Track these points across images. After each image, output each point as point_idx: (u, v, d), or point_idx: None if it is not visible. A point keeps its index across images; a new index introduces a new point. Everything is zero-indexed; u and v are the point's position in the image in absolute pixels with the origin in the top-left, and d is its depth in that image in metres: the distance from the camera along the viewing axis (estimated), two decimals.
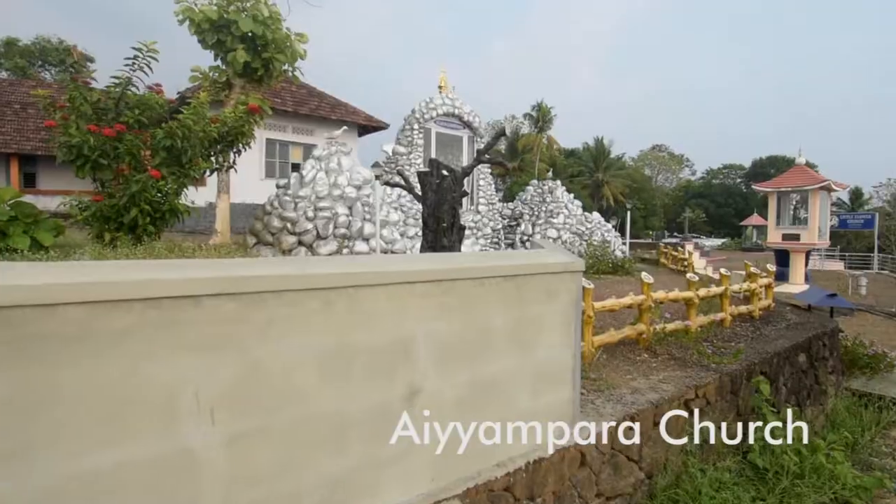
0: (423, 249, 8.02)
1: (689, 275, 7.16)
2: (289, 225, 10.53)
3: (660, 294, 6.59)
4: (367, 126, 25.11)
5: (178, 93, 18.05)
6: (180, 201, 9.88)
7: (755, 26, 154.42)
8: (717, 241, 52.85)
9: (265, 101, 15.89)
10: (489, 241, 16.11)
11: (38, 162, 24.12)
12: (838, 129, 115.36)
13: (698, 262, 19.43)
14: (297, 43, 15.09)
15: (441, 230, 7.64)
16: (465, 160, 16.55)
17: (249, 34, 14.08)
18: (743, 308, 8.44)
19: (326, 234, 10.53)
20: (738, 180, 68.76)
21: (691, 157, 75.37)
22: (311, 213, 10.78)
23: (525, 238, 16.14)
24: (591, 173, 56.91)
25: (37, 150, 22.86)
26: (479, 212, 16.54)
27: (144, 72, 9.54)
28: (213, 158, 10.44)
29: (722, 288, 7.78)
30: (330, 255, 10.40)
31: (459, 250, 8.30)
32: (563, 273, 3.74)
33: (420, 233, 14.15)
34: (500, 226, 16.88)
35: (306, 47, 15.54)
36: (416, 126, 14.85)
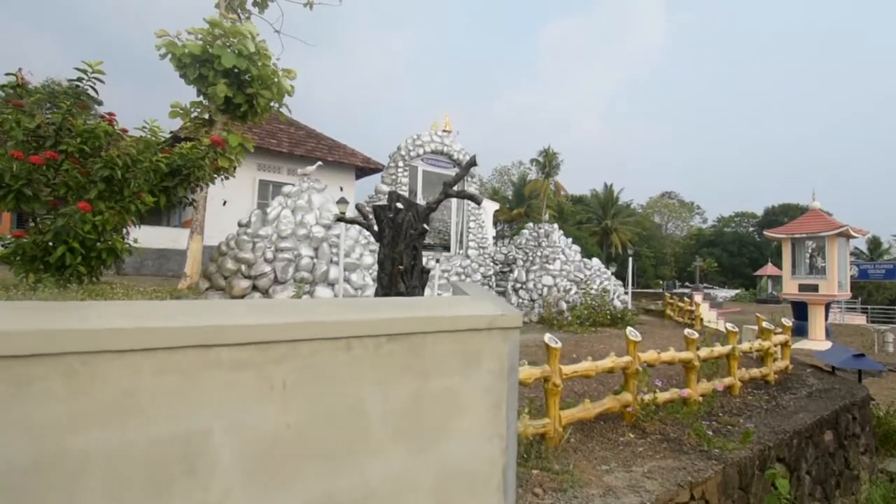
0: (378, 295, 6.90)
1: (687, 331, 5.95)
2: (243, 267, 9.52)
3: (650, 355, 5.37)
4: (364, 168, 24.57)
5: (171, 132, 17.47)
6: (120, 239, 8.95)
7: (766, 71, 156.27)
8: (731, 292, 51.09)
9: (248, 138, 15.28)
10: None
11: None
12: (853, 177, 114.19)
13: (708, 314, 18.06)
14: (284, 79, 14.54)
15: (398, 273, 6.55)
16: (454, 201, 15.62)
17: (234, 69, 13.55)
18: (755, 371, 7.15)
19: (286, 277, 9.49)
20: (751, 229, 67.39)
21: (702, 205, 74.37)
22: (270, 255, 9.77)
23: (518, 286, 14.97)
24: (599, 220, 56.03)
25: None
26: (468, 257, 15.48)
27: (89, 95, 8.82)
28: (163, 194, 9.56)
29: (729, 347, 6.53)
30: None
31: (422, 297, 7.18)
32: (488, 330, 2.60)
33: None
34: (491, 272, 15.77)
35: (294, 83, 15.00)
36: (401, 163, 14.03)
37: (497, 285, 15.35)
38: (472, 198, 7.13)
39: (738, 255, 61.84)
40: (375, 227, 7.14)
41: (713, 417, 5.58)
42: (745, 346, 7.09)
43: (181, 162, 9.62)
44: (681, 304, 16.20)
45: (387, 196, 7.12)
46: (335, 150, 24.05)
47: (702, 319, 15.10)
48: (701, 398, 5.79)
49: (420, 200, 14.76)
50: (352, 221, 7.09)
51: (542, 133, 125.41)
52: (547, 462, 4.10)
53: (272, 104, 14.60)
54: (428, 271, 7.23)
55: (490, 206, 26.88)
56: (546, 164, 54.40)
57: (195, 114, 14.97)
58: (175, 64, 13.42)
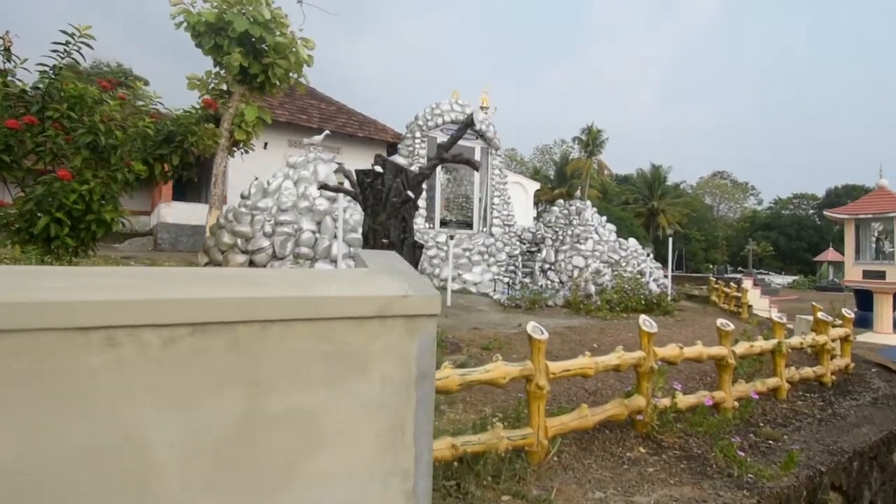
0: None
1: (720, 322, 4.89)
2: (240, 241, 8.90)
3: (670, 350, 4.36)
4: (395, 143, 23.90)
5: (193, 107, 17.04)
6: (110, 209, 8.47)
7: (830, 45, 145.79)
8: (788, 279, 48.05)
9: (265, 110, 14.72)
10: (504, 268, 14.03)
11: None
12: None
13: (759, 302, 16.51)
14: (302, 48, 13.84)
15: (381, 248, 5.72)
16: (477, 175, 14.63)
17: (250, 38, 12.95)
18: (808, 371, 5.99)
19: (284, 252, 8.83)
20: (811, 211, 63.25)
21: (757, 186, 70.26)
22: (269, 228, 9.13)
23: (547, 266, 13.93)
24: (645, 201, 53.65)
25: None
26: (492, 235, 14.50)
27: (75, 60, 8.29)
28: (158, 163, 9.02)
29: (773, 342, 5.41)
30: None
31: None
32: (381, 319, 1.73)
33: None
34: (517, 251, 14.76)
35: (313, 53, 14.31)
36: (418, 134, 13.13)
37: (524, 266, 14.34)
38: (468, 163, 6.20)
39: (797, 238, 58.21)
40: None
41: (751, 429, 4.54)
42: (796, 340, 5.93)
43: (173, 127, 9.06)
44: (726, 289, 14.77)
45: (374, 159, 6.29)
46: (366, 125, 23.44)
47: (750, 307, 13.67)
48: (737, 404, 4.75)
49: (438, 173, 13.84)
50: (336, 190, 6.30)
51: (587, 111, 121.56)
52: (524, 485, 3.22)
53: (291, 75, 13.99)
54: (421, 246, 6.37)
55: (531, 186, 25.70)
56: (589, 142, 52.35)
57: (212, 85, 14.49)
58: (190, 33, 12.93)
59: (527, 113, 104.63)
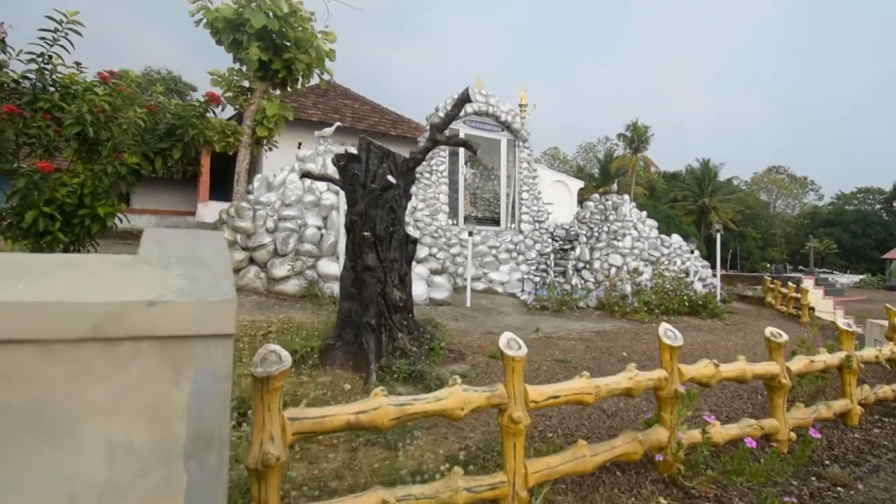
0: (343, 274, 5.39)
1: (769, 331, 3.85)
2: (239, 237, 8.35)
3: (701, 368, 3.39)
4: None
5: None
6: (105, 205, 8.07)
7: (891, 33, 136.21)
8: (854, 278, 44.65)
9: (287, 107, 14.27)
10: (534, 267, 13.07)
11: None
12: None
13: (821, 304, 14.91)
14: (323, 42, 13.33)
15: (365, 242, 4.97)
16: (504, 168, 13.71)
17: (269, 33, 12.55)
18: (887, 390, 4.84)
19: (286, 249, 8.22)
20: (878, 206, 58.85)
21: (817, 180, 66.03)
22: (271, 224, 8.55)
23: (581, 265, 12.89)
24: (695, 198, 51.13)
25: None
26: (521, 231, 13.55)
27: (65, 48, 7.92)
28: (159, 157, 8.57)
29: (841, 354, 4.33)
30: (283, 277, 8.05)
31: (408, 274, 5.57)
32: (107, 344, 0.94)
33: (434, 253, 11.51)
34: (549, 249, 13.76)
35: (335, 47, 13.80)
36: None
37: (556, 265, 13.34)
38: (465, 145, 5.37)
39: (862, 235, 54.25)
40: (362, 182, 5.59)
41: (813, 469, 3.52)
42: (869, 352, 4.80)
43: (174, 120, 8.60)
44: (784, 289, 13.30)
45: (358, 144, 5.54)
46: (399, 124, 22.98)
47: (811, 309, 12.21)
48: (793, 435, 3.73)
49: (462, 169, 13.01)
50: (322, 178, 5.59)
51: (634, 109, 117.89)
52: None
53: (315, 71, 13.54)
54: (415, 241, 5.58)
55: (574, 185, 24.60)
56: (634, 138, 50.38)
57: (234, 81, 14.19)
58: (209, 30, 12.64)
59: (572, 113, 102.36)
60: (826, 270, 47.74)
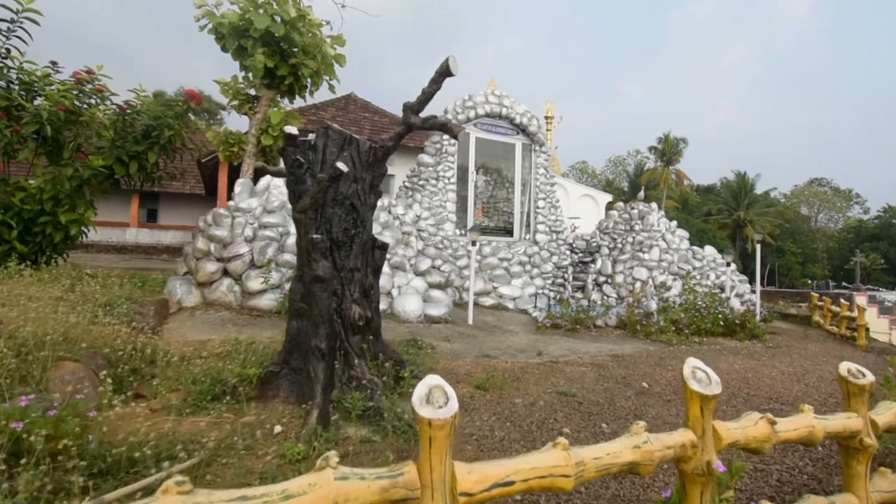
0: (292, 285, 4.47)
1: (844, 368, 2.73)
2: (213, 247, 7.54)
3: (750, 427, 2.32)
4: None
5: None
6: (69, 213, 7.37)
7: None
8: None
9: (294, 114, 13.59)
10: (550, 281, 11.95)
11: (159, 199, 26.02)
12: None
13: (877, 323, 13.35)
14: (330, 48, 12.66)
15: (315, 247, 4.04)
16: (518, 174, 12.69)
17: (275, 38, 11.96)
18: None
19: (263, 260, 7.37)
20: None
21: (862, 193, 62.76)
22: (250, 232, 7.73)
23: (602, 279, 11.72)
24: (730, 211, 49.00)
25: (154, 188, 24.00)
26: (536, 242, 12.47)
27: (22, 40, 7.32)
28: (135, 161, 7.85)
29: None
30: (258, 291, 7.19)
31: (374, 287, 4.61)
32: None
33: (439, 266, 10.54)
34: (567, 261, 12.62)
35: (344, 51, 13.15)
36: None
37: (575, 278, 12.21)
38: (444, 128, 4.42)
39: None
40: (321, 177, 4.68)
41: None
42: None
43: (149, 122, 7.91)
44: (835, 307, 11.86)
45: (318, 132, 4.64)
46: (416, 136, 22.34)
47: (867, 330, 10.76)
48: None
49: (472, 173, 12.04)
50: (278, 174, 4.70)
51: (666, 123, 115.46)
52: None
53: (325, 78, 12.89)
54: (383, 247, 4.63)
55: (602, 198, 23.49)
56: (665, 150, 48.75)
57: (241, 88, 13.61)
58: (214, 35, 12.13)
59: (602, 129, 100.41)
60: (872, 287, 44.91)
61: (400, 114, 4.53)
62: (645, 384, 5.63)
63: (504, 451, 3.59)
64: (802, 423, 2.53)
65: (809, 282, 46.04)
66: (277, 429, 3.49)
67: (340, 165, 3.69)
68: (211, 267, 7.32)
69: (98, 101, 7.50)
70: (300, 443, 3.26)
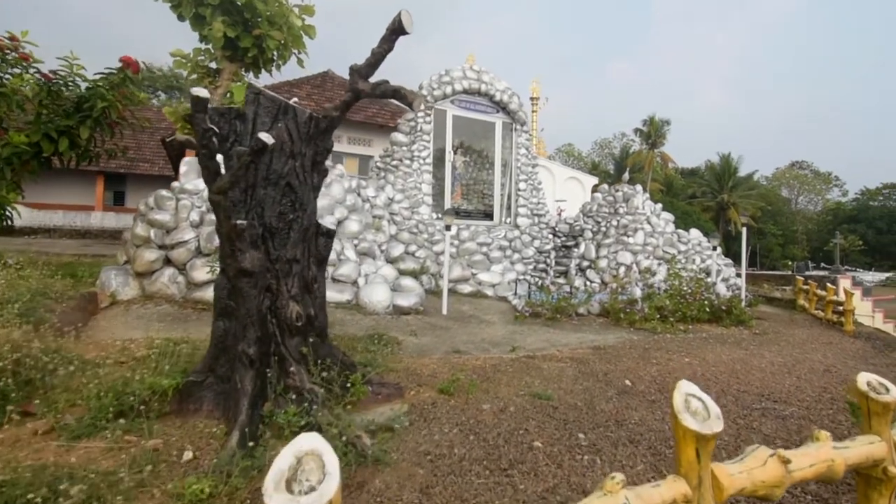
0: (217, 280, 3.83)
1: (862, 381, 2.22)
2: (154, 233, 6.84)
3: (756, 468, 1.78)
4: None
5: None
6: None
7: None
8: (880, 276, 42.24)
9: (261, 89, 12.76)
10: (531, 267, 11.42)
11: (126, 181, 24.50)
12: None
13: (860, 306, 13.07)
14: (296, 17, 11.79)
15: (239, 235, 3.39)
16: (499, 155, 12.06)
17: (240, 7, 11.07)
18: None
19: (210, 247, 6.70)
20: None
21: (841, 176, 63.14)
22: (196, 217, 7.03)
23: (586, 264, 11.22)
24: (714, 194, 48.93)
25: (119, 169, 22.71)
26: (517, 227, 11.90)
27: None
28: (65, 137, 7.08)
29: None
30: (204, 282, 6.53)
31: (317, 280, 3.99)
32: None
33: (413, 251, 9.93)
34: (549, 245, 12.08)
35: (313, 22, 12.28)
36: (422, 106, 10.74)
37: (558, 263, 11.69)
38: (396, 94, 3.77)
39: (888, 232, 51.83)
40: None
41: None
42: None
43: (83, 93, 7.13)
44: (820, 291, 11.49)
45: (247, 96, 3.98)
46: (398, 115, 21.58)
47: (851, 313, 10.35)
48: None
49: (449, 153, 11.37)
50: (188, 145, 4.02)
51: (652, 106, 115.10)
52: None
53: (294, 52, 12.03)
54: (330, 233, 3.99)
55: (588, 181, 22.93)
56: (650, 133, 48.35)
57: (200, 61, 12.68)
58: (169, 3, 11.20)
59: (590, 111, 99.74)
60: (850, 268, 45.42)
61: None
62: (628, 381, 5.12)
63: (462, 474, 3.04)
64: (820, 455, 2.01)
65: (789, 263, 46.30)
66: (187, 455, 2.89)
67: (264, 137, 3.05)
68: (151, 255, 6.62)
69: (23, 70, 6.70)
70: (211, 472, 2.66)
